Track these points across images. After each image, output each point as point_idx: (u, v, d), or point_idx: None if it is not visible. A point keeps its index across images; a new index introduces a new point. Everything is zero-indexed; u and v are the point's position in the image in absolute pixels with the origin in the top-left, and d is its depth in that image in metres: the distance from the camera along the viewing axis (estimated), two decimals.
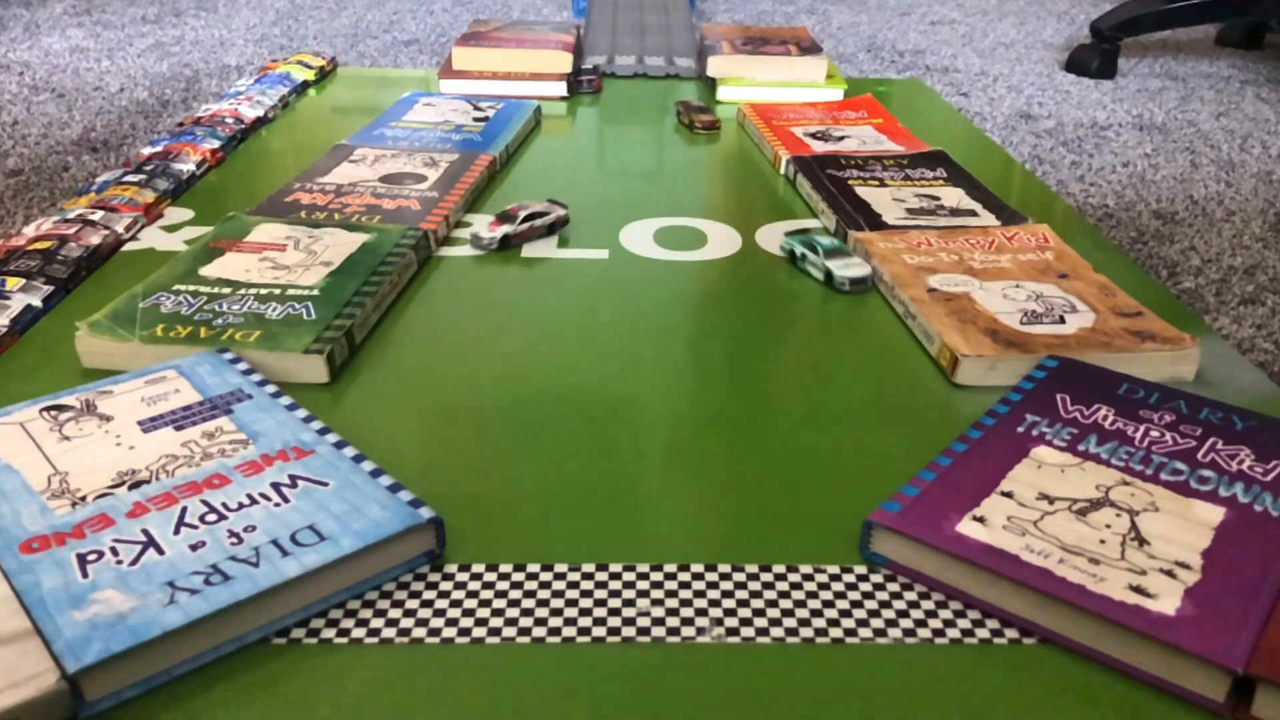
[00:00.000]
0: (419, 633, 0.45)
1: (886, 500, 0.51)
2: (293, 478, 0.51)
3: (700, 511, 0.53)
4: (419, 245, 0.80)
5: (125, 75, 1.64)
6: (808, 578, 0.49)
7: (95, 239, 0.81)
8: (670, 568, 0.49)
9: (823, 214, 0.92)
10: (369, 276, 0.73)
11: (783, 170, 1.03)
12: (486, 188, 0.98)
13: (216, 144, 1.05)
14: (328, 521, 0.48)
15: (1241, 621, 0.43)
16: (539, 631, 0.45)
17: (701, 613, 0.47)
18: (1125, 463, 0.54)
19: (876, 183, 0.97)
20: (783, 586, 0.48)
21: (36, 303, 0.72)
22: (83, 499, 0.49)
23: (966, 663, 0.44)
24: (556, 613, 0.46)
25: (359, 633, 0.45)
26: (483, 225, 0.84)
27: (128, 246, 0.83)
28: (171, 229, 0.87)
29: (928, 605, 0.47)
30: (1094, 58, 1.83)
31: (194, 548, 0.46)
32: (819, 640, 0.45)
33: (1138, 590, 0.45)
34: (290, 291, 0.71)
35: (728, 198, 0.97)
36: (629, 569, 0.49)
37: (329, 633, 0.45)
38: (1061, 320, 0.70)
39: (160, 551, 0.46)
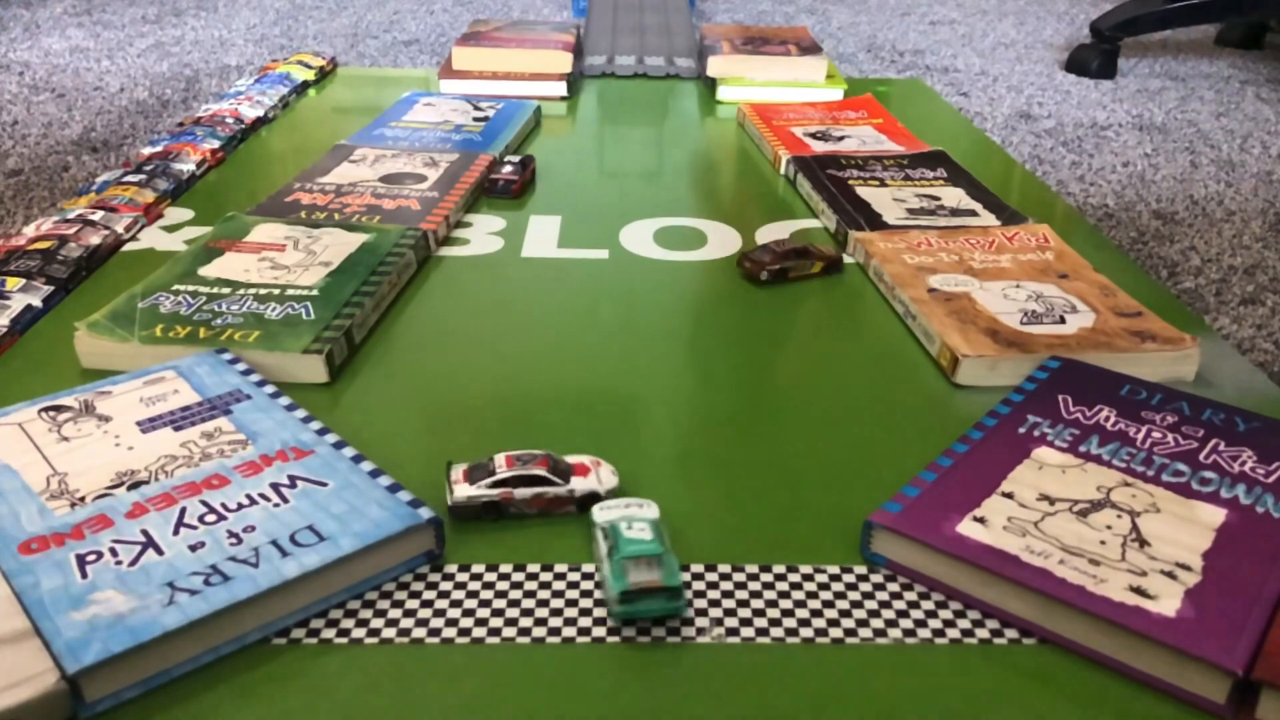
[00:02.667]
0: (419, 633, 0.45)
1: (887, 501, 0.51)
2: (292, 478, 0.51)
3: (701, 511, 0.53)
4: (418, 245, 0.80)
5: (125, 75, 1.64)
6: (808, 578, 0.49)
7: (95, 239, 0.81)
8: None
9: (823, 214, 0.92)
10: (368, 276, 0.73)
11: (783, 170, 1.03)
12: None
13: (216, 144, 1.05)
14: (327, 522, 0.48)
15: (1242, 623, 0.43)
16: (539, 631, 0.45)
17: (701, 613, 0.47)
18: (1127, 464, 0.54)
19: (877, 183, 0.96)
20: (783, 586, 0.48)
21: (36, 303, 0.72)
22: (81, 500, 0.49)
23: (966, 663, 0.44)
24: (556, 613, 0.46)
25: (359, 633, 0.45)
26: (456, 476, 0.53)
27: (128, 246, 0.83)
28: (171, 229, 0.87)
29: (928, 605, 0.47)
30: (1094, 58, 1.83)
31: (193, 548, 0.46)
32: (819, 640, 0.45)
33: (1138, 591, 0.45)
34: (289, 291, 0.71)
35: (727, 198, 0.97)
36: None
37: (329, 633, 0.45)
38: (1062, 320, 0.70)
39: (159, 552, 0.46)
